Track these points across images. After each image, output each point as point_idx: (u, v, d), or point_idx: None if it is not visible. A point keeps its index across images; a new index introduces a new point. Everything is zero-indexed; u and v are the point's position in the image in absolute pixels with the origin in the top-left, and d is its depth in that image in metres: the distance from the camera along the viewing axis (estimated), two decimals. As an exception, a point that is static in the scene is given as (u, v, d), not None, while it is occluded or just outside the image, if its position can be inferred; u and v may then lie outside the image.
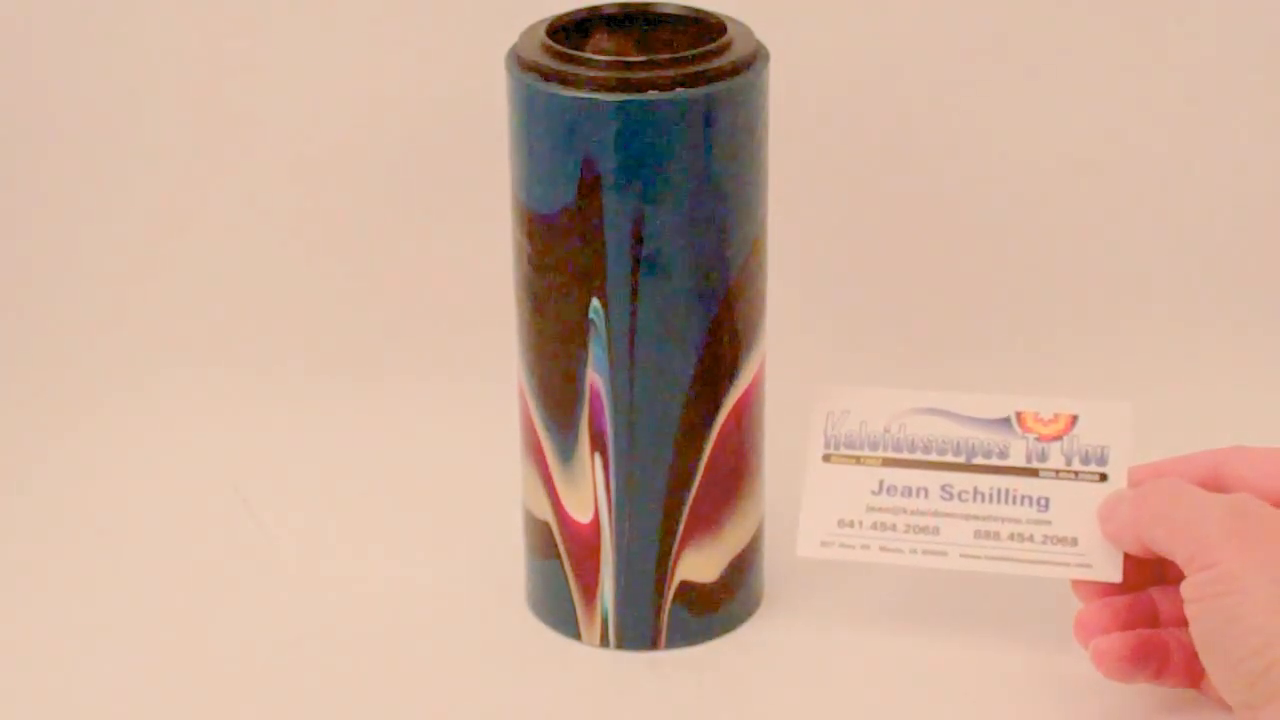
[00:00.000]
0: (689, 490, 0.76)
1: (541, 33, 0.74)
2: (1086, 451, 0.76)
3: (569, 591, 0.79)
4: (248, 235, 1.02)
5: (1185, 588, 0.68)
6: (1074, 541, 0.75)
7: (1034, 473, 0.76)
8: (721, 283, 0.74)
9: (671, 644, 0.79)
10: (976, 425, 0.78)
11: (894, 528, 0.76)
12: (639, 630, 0.79)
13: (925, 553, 0.76)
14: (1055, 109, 1.01)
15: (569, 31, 0.76)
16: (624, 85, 0.71)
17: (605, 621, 0.78)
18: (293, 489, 0.90)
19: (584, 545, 0.78)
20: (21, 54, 1.01)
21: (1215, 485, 0.73)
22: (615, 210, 0.72)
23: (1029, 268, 1.02)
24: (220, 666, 0.78)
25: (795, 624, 0.81)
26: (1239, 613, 0.66)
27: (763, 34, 0.76)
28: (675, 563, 0.77)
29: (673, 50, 0.77)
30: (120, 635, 0.80)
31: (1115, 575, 0.74)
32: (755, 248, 0.75)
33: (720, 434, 0.76)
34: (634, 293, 0.73)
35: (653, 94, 0.71)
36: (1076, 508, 0.75)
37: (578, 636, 0.79)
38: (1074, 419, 0.77)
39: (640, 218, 0.72)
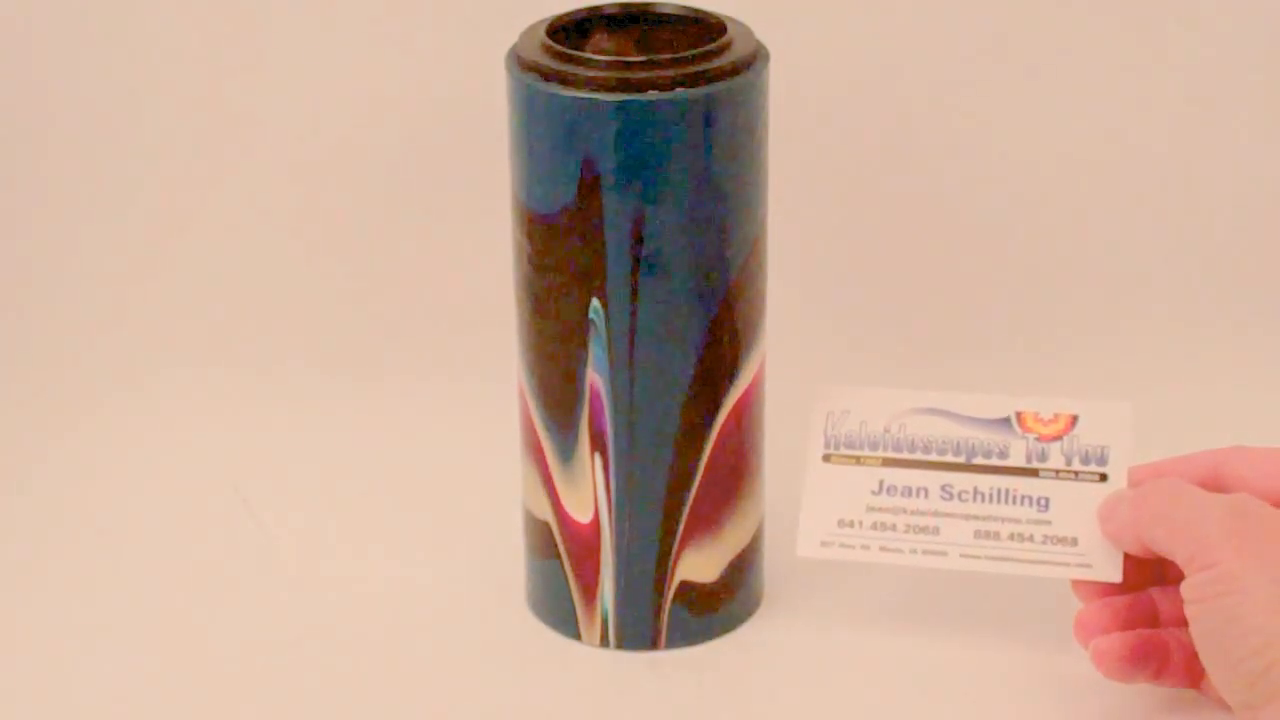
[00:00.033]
0: (689, 490, 0.76)
1: (541, 33, 0.74)
2: (1086, 451, 0.76)
3: (569, 591, 0.79)
4: (248, 235, 1.02)
5: (1185, 588, 0.68)
6: (1074, 541, 0.75)
7: (1034, 473, 0.76)
8: (721, 283, 0.74)
9: (671, 644, 0.79)
10: (976, 425, 0.78)
11: (894, 528, 0.76)
12: (639, 630, 0.79)
13: (925, 553, 0.76)
14: (1055, 109, 1.01)
15: (569, 31, 0.76)
16: (624, 85, 0.71)
17: (605, 621, 0.78)
18: (293, 489, 0.90)
19: (584, 545, 0.78)
20: (21, 54, 1.01)
21: (1215, 485, 0.73)
22: (615, 210, 0.72)
23: (1029, 268, 1.02)
24: (220, 666, 0.78)
25: (795, 624, 0.81)
26: (1239, 613, 0.66)
27: (763, 34, 0.76)
28: (675, 563, 0.77)
29: (673, 50, 0.77)
30: (120, 635, 0.80)
31: (1115, 575, 0.74)
32: (755, 248, 0.75)
33: (720, 434, 0.76)
34: (634, 293, 0.73)
35: (653, 94, 0.71)
36: (1076, 508, 0.75)
37: (578, 636, 0.79)
38: (1074, 419, 0.77)
39: (640, 218, 0.72)
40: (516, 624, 0.81)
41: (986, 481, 0.77)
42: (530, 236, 0.75)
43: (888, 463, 0.77)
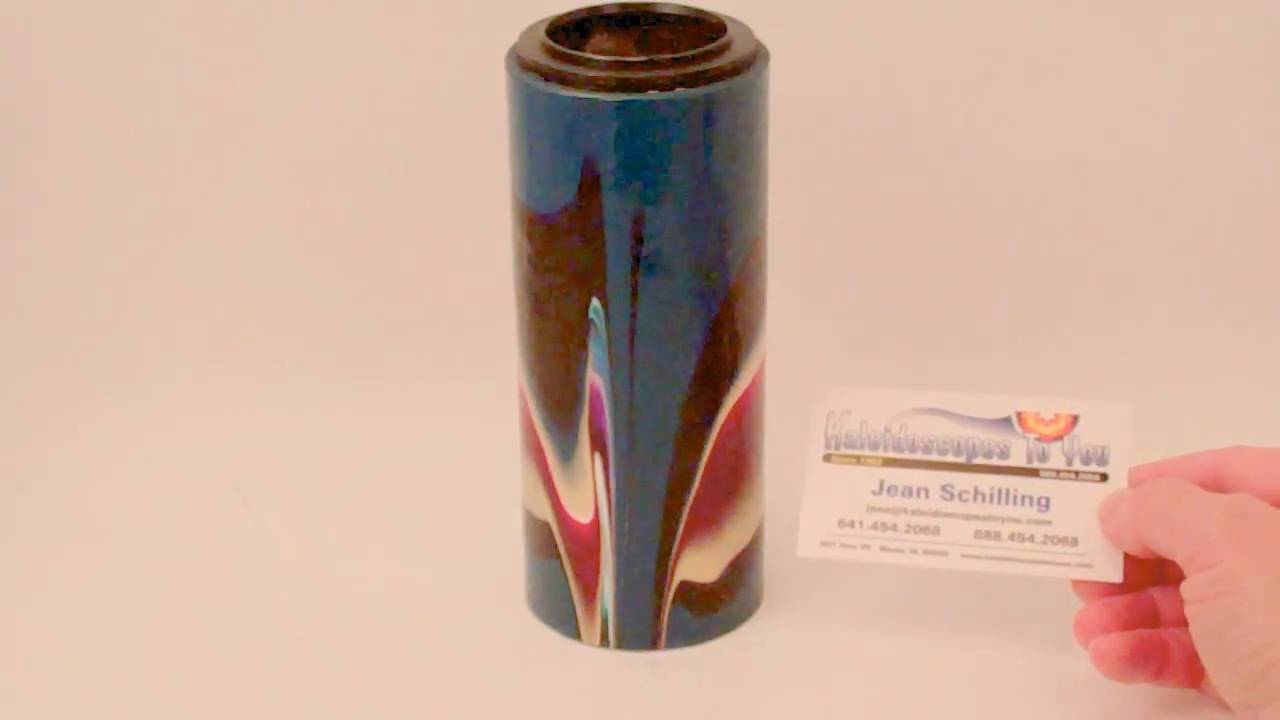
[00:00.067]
0: (689, 490, 0.76)
1: (541, 33, 0.74)
2: (1087, 451, 0.76)
3: (569, 591, 0.79)
4: (248, 235, 1.02)
5: (1185, 588, 0.68)
6: (1074, 541, 0.75)
7: (1034, 473, 0.76)
8: (721, 283, 0.74)
9: (671, 644, 0.79)
10: (977, 425, 0.78)
11: (894, 528, 0.76)
12: (639, 630, 0.79)
13: (926, 553, 0.76)
14: (1055, 109, 1.01)
15: (569, 31, 0.76)
16: (624, 85, 0.71)
17: (605, 621, 0.78)
18: (293, 489, 0.90)
19: (584, 545, 0.78)
20: (21, 54, 1.01)
21: (1215, 485, 0.73)
22: (615, 210, 0.72)
23: (1029, 268, 1.02)
24: (220, 666, 0.78)
25: (795, 624, 0.81)
26: (1239, 613, 0.66)
27: (763, 34, 0.76)
28: (675, 563, 0.77)
29: (673, 50, 0.77)
30: (120, 635, 0.80)
31: (1115, 575, 0.74)
32: (755, 248, 0.75)
33: (720, 434, 0.76)
34: (634, 293, 0.73)
35: (653, 94, 0.71)
36: (1077, 508, 0.75)
37: (578, 636, 0.79)
38: (1074, 419, 0.77)
39: (640, 218, 0.72)
40: (516, 624, 0.81)
41: (987, 481, 0.77)
42: (530, 236, 0.75)
43: (888, 463, 0.77)
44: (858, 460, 0.78)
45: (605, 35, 0.78)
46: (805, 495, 0.77)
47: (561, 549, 0.78)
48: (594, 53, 0.75)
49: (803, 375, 0.85)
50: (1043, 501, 0.76)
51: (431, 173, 1.01)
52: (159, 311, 1.01)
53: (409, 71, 1.00)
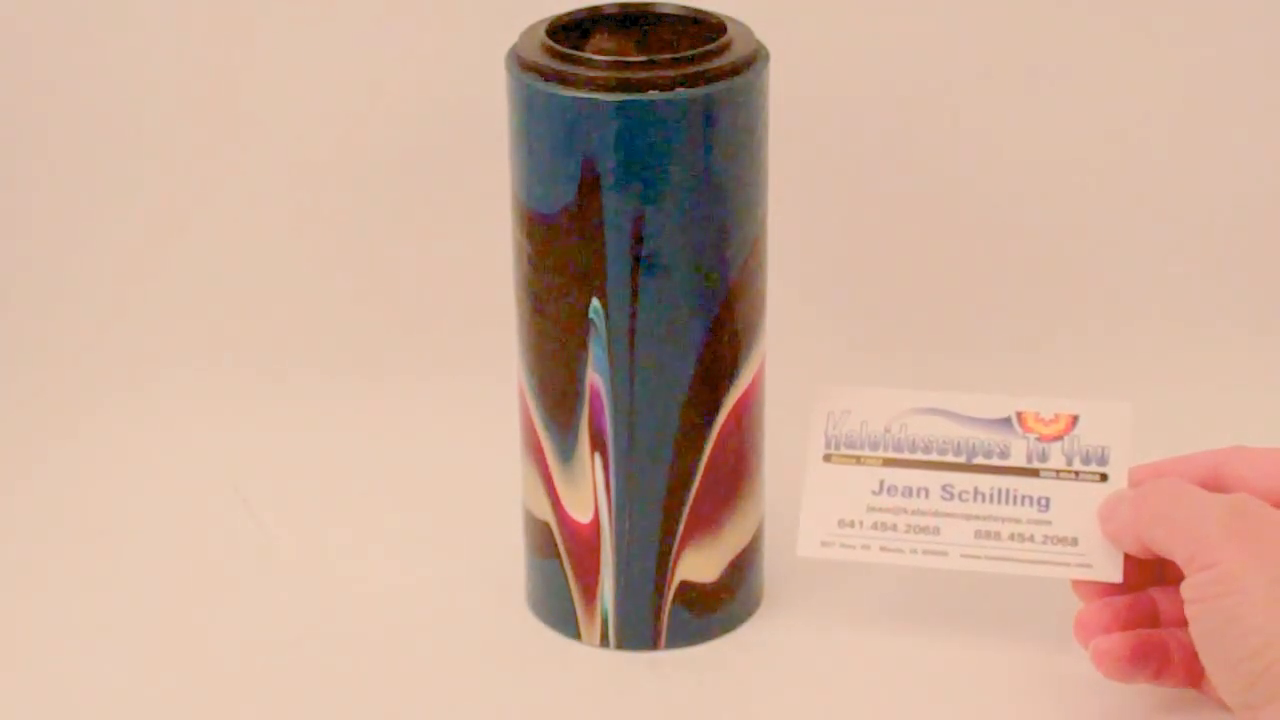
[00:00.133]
0: (689, 490, 0.76)
1: (541, 33, 0.74)
2: (1087, 451, 0.76)
3: (569, 591, 0.79)
4: (248, 235, 1.02)
5: (1185, 588, 0.68)
6: (1074, 541, 0.75)
7: (1034, 473, 0.76)
8: (721, 283, 0.74)
9: (671, 644, 0.79)
10: (977, 425, 0.78)
11: (894, 528, 0.76)
12: (639, 630, 0.79)
13: (925, 553, 0.76)
14: (1055, 109, 1.01)
15: (569, 31, 0.76)
16: (624, 85, 0.71)
17: (605, 621, 0.78)
18: (293, 489, 0.90)
19: (584, 545, 0.78)
20: (21, 54, 1.01)
21: (1215, 485, 0.73)
22: (615, 210, 0.72)
23: (1029, 268, 1.02)
24: (220, 666, 0.78)
25: (795, 624, 0.81)
26: (1239, 613, 0.66)
27: (763, 34, 0.76)
28: (675, 563, 0.77)
29: (673, 50, 0.77)
30: (120, 635, 0.80)
31: (1115, 575, 0.74)
32: (755, 248, 0.75)
33: (720, 434, 0.76)
34: (634, 293, 0.73)
35: (653, 94, 0.71)
36: (1077, 508, 0.75)
37: (578, 636, 0.79)
38: (1074, 419, 0.77)
39: (640, 218, 0.72)
40: (516, 624, 0.81)
41: (987, 481, 0.77)
42: (530, 236, 0.75)
43: (888, 463, 0.77)
44: (858, 460, 0.78)
45: (605, 35, 0.78)
46: (805, 495, 0.77)
47: (561, 549, 0.78)
48: (594, 53, 0.75)
49: (803, 375, 0.85)
50: (1043, 501, 0.76)
51: (431, 173, 1.01)
52: (159, 311, 1.01)
53: (409, 71, 1.00)
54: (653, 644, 0.79)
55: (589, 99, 0.71)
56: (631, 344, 0.74)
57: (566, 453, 0.76)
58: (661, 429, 0.75)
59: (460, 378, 0.97)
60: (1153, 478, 0.74)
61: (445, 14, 1.00)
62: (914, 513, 0.77)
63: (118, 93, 1.01)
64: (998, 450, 0.77)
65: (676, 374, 0.75)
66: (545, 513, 0.78)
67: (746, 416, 0.77)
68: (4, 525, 0.88)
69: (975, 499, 0.76)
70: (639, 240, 0.73)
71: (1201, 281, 1.02)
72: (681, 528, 0.77)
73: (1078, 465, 0.76)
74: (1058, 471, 0.76)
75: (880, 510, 0.77)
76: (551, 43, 0.73)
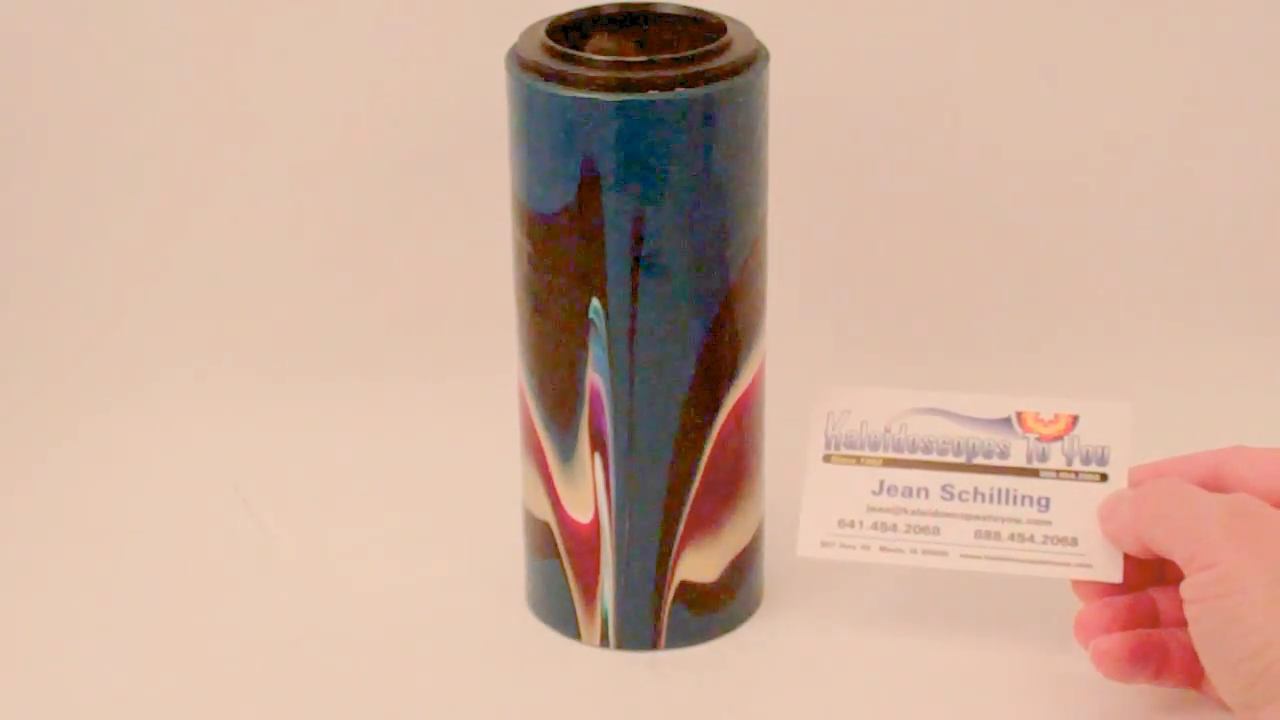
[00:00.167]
0: (689, 490, 0.76)
1: (541, 33, 0.74)
2: (1087, 452, 0.76)
3: (569, 591, 0.79)
4: (248, 235, 1.01)
5: (1185, 588, 0.68)
6: (1074, 541, 0.75)
7: (1034, 473, 0.76)
8: (721, 283, 0.74)
9: (671, 644, 0.79)
10: (977, 425, 0.78)
11: (894, 528, 0.76)
12: (639, 630, 0.79)
13: (925, 553, 0.76)
14: (1056, 109, 1.01)
15: (569, 31, 0.76)
16: (624, 85, 0.71)
17: (605, 621, 0.78)
18: (293, 489, 0.90)
19: (584, 545, 0.78)
20: (21, 54, 1.01)
21: (1215, 485, 0.73)
22: (615, 210, 0.72)
23: (1029, 268, 1.02)
24: (220, 666, 0.78)
25: (795, 624, 0.81)
26: (1239, 613, 0.66)
27: (763, 34, 0.76)
28: (675, 563, 0.77)
29: (673, 50, 0.77)
30: (120, 635, 0.80)
31: (1115, 575, 0.74)
32: (755, 248, 0.75)
33: (720, 434, 0.76)
34: (634, 293, 0.73)
35: (653, 94, 0.71)
36: (1077, 508, 0.75)
37: (578, 636, 0.79)
38: (1074, 419, 0.77)
39: (640, 218, 0.72)
40: (516, 624, 0.81)
41: (987, 481, 0.77)
42: (530, 236, 0.75)
43: (888, 463, 0.77)
44: (858, 460, 0.78)
45: (605, 35, 0.78)
46: (805, 495, 0.77)
47: (561, 549, 0.78)
48: (594, 53, 0.75)
49: (803, 375, 0.85)
50: (1043, 501, 0.76)
51: (432, 173, 1.01)
52: (159, 312, 1.01)
53: (409, 71, 1.00)
54: (653, 644, 0.79)
55: (589, 99, 0.71)
56: (631, 344, 0.74)
57: (566, 453, 0.76)
58: (661, 429, 0.75)
59: (460, 378, 0.97)
60: (1153, 478, 0.74)
61: (445, 14, 1.00)
62: (914, 513, 0.77)
63: (118, 93, 1.01)
64: (998, 450, 0.77)
65: (676, 374, 0.75)
66: (545, 513, 0.78)
67: (746, 416, 0.77)
68: (4, 525, 0.88)
69: (975, 499, 0.76)
70: (639, 240, 0.73)
71: (1201, 281, 1.02)
72: (681, 528, 0.77)
73: (1078, 465, 0.76)
74: (1058, 471, 0.76)
75: (880, 510, 0.77)
76: (551, 43, 0.73)
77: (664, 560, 0.77)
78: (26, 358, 1.00)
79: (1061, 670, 0.77)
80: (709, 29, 0.76)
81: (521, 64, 0.73)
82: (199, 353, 0.99)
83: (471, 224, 1.00)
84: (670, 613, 0.78)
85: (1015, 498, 0.76)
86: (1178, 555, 0.69)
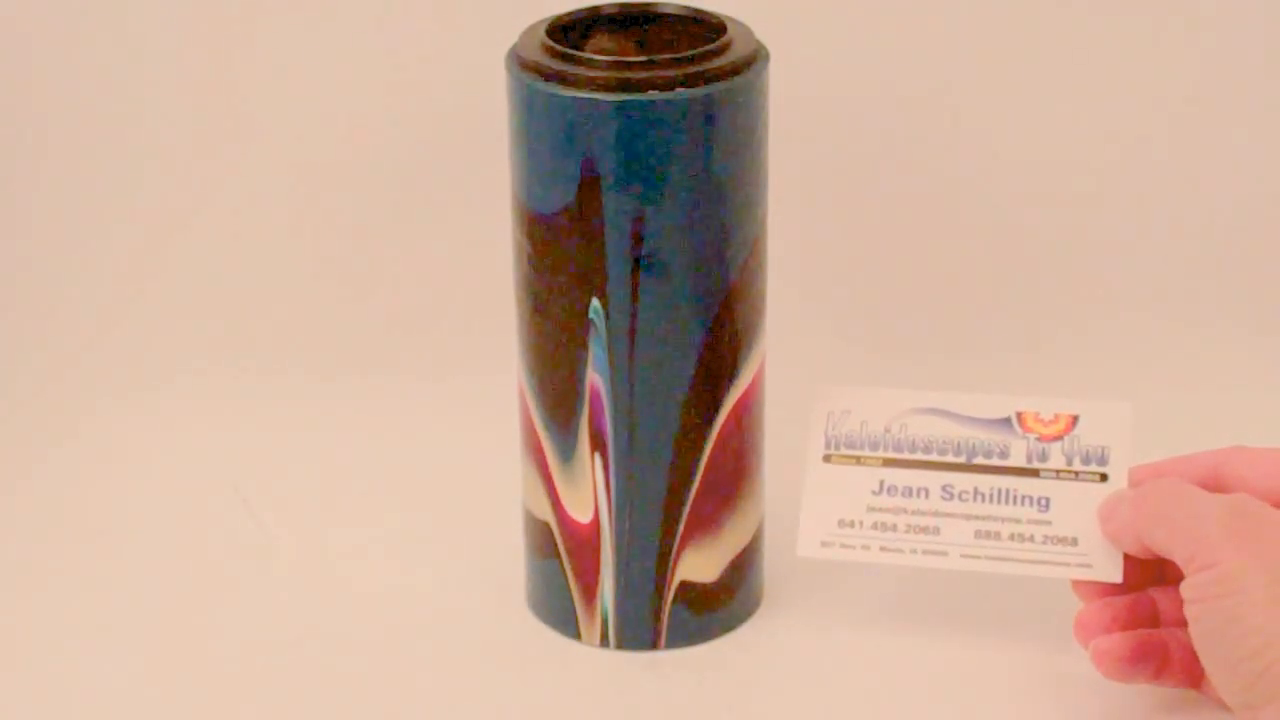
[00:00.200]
0: (689, 490, 0.76)
1: (541, 33, 0.74)
2: (1087, 451, 0.76)
3: (569, 591, 0.79)
4: (248, 237, 1.01)
5: (1185, 588, 0.68)
6: (1074, 541, 0.75)
7: (1034, 473, 0.76)
8: (721, 283, 0.74)
9: (671, 644, 0.79)
10: (977, 425, 0.78)
11: (894, 528, 0.76)
12: (639, 630, 0.79)
13: (925, 553, 0.76)
14: (1055, 109, 1.01)
15: (569, 31, 0.76)
16: (624, 85, 0.71)
17: (605, 621, 0.78)
18: (293, 489, 0.90)
19: (584, 545, 0.78)
20: (21, 54, 1.01)
21: (1215, 485, 0.73)
22: (615, 210, 0.72)
23: (1029, 268, 1.02)
24: (220, 666, 0.78)
25: (795, 624, 0.81)
26: (1239, 613, 0.66)
27: (763, 34, 0.76)
28: (675, 563, 0.77)
29: (673, 50, 0.77)
30: (120, 635, 0.80)
31: (1115, 575, 0.74)
32: (755, 248, 0.75)
33: (720, 434, 0.76)
34: (634, 293, 0.73)
35: (653, 94, 0.71)
36: (1077, 508, 0.75)
37: (578, 636, 0.79)
38: (1074, 419, 0.77)
39: (640, 218, 0.72)
40: (516, 624, 0.81)
41: (987, 481, 0.77)
42: (530, 236, 0.75)
43: (888, 463, 0.77)
44: (858, 460, 0.78)
45: (605, 35, 0.78)
46: (805, 495, 0.77)
47: (561, 549, 0.78)
48: (594, 53, 0.75)
49: (803, 375, 0.85)
50: (1043, 501, 0.76)
51: (432, 173, 1.01)
52: (159, 312, 1.01)
53: (409, 71, 1.00)
54: (653, 644, 0.79)
55: (589, 99, 0.71)
56: (631, 344, 0.74)
57: (566, 453, 0.76)
58: (661, 429, 0.75)
59: (460, 378, 0.97)
60: (1153, 478, 0.74)
61: (445, 14, 1.00)
62: (914, 513, 0.77)
63: (118, 93, 1.01)
64: (998, 450, 0.77)
65: (676, 374, 0.75)
66: (545, 513, 0.78)
67: (746, 416, 0.77)
68: (4, 525, 0.88)
69: (975, 499, 0.76)
70: (639, 240, 0.73)
71: (1201, 281, 1.02)
72: (681, 528, 0.77)
73: (1078, 465, 0.76)
74: (1058, 471, 0.76)
75: (880, 510, 0.77)
76: (551, 43, 0.73)
77: (664, 560, 0.77)
78: (26, 358, 1.00)
79: (1061, 670, 0.77)
80: (709, 29, 0.76)
81: (521, 64, 0.73)
82: (199, 353, 0.99)
83: (471, 224, 1.00)
84: (670, 613, 0.78)
85: (1015, 498, 0.76)
86: (1178, 555, 0.69)
